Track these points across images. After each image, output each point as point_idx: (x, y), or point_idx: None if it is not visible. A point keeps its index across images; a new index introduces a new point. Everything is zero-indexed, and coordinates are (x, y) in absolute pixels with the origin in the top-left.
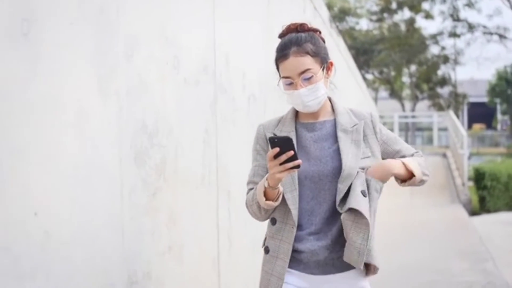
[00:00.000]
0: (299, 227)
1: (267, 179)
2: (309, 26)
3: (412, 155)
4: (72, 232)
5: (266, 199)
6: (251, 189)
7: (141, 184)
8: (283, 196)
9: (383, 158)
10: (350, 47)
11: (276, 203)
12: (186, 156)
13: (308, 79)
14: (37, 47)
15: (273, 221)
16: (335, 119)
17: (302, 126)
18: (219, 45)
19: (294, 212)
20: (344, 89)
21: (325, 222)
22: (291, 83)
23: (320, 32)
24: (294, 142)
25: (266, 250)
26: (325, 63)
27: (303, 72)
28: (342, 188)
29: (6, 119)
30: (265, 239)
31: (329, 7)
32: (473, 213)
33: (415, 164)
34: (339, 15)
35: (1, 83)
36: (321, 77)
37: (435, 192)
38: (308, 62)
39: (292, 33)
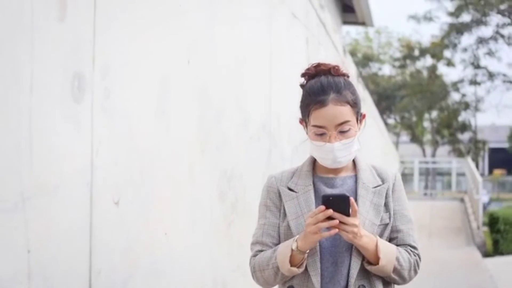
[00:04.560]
0: None
1: (296, 241)
2: (342, 70)
3: (407, 246)
4: (185, 247)
5: (291, 265)
6: (260, 251)
7: (222, 217)
8: None
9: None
10: (372, 92)
11: (301, 270)
12: (250, 196)
13: (345, 132)
14: (168, 121)
15: None
16: (356, 175)
17: (320, 180)
18: (274, 108)
19: (316, 279)
20: (369, 138)
21: None
22: (323, 134)
23: (349, 76)
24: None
25: None
26: (360, 116)
27: (341, 124)
28: (355, 264)
29: (148, 167)
30: None
31: (353, 53)
32: (486, 255)
33: (390, 254)
34: (363, 61)
35: (144, 145)
36: (357, 131)
37: (451, 234)
38: (347, 113)
39: (326, 76)
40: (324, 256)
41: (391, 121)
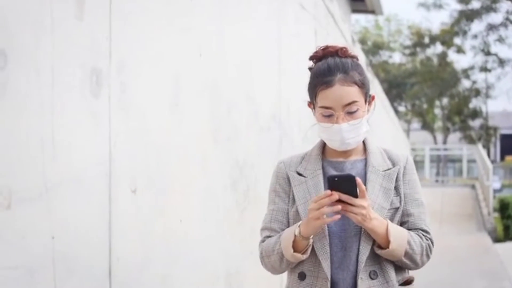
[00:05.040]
0: None
1: (299, 227)
2: (350, 52)
3: (418, 230)
4: (199, 233)
5: (294, 251)
6: (268, 236)
7: (235, 204)
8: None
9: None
10: (383, 80)
11: (305, 256)
12: (261, 184)
13: (353, 113)
14: (181, 114)
15: (302, 276)
16: (366, 159)
17: (329, 164)
18: (284, 98)
19: (325, 263)
20: (379, 125)
21: (354, 277)
22: (330, 115)
23: (357, 59)
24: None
25: None
26: (369, 97)
27: (348, 104)
28: (364, 250)
29: (163, 158)
30: None
31: (363, 41)
32: (497, 240)
33: (401, 238)
34: (373, 49)
35: (159, 137)
36: (366, 112)
37: (462, 221)
38: (355, 93)
39: (333, 58)
40: (333, 241)
41: (402, 108)
